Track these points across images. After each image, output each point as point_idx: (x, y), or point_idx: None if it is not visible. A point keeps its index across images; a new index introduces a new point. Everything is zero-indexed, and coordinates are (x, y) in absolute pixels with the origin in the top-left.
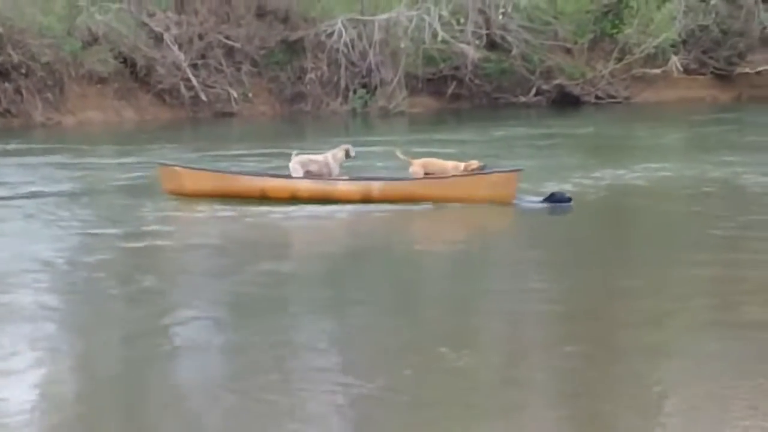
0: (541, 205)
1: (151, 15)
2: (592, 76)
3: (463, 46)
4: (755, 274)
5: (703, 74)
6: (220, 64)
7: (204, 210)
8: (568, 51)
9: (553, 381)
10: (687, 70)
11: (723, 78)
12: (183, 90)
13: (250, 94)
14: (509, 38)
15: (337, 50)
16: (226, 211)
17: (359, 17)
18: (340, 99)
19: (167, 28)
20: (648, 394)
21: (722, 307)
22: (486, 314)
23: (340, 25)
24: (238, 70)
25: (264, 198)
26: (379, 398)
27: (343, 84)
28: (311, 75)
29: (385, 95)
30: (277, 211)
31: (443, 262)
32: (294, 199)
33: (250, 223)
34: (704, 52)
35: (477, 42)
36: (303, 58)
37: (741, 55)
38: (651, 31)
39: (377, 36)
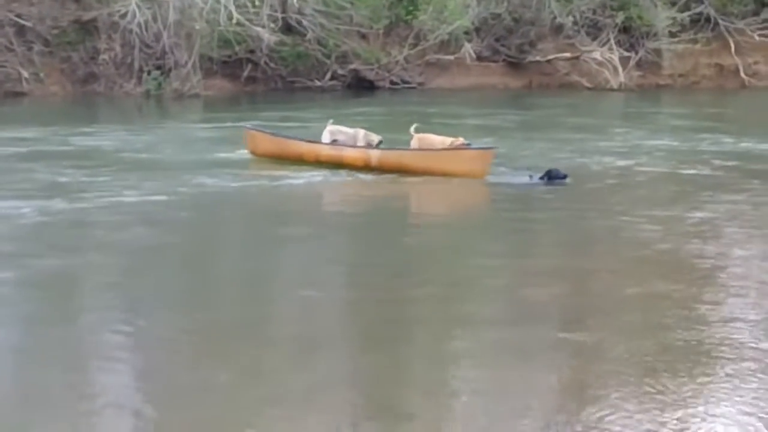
0: (537, 182)
1: None
2: (387, 61)
3: (258, 29)
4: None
5: (496, 61)
6: (11, 43)
7: None
8: (364, 36)
9: (344, 366)
10: (480, 57)
11: (515, 65)
12: None
13: (42, 74)
14: (305, 22)
15: (131, 31)
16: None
17: None
18: (134, 80)
19: None
20: (436, 377)
21: (516, 286)
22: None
23: (134, 5)
24: (30, 49)
25: (301, 160)
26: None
27: (137, 65)
28: (104, 56)
29: (180, 77)
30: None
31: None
32: (318, 162)
33: None
34: (497, 40)
35: (272, 25)
36: (96, 38)
37: (532, 44)
38: (445, 18)
39: (172, 17)
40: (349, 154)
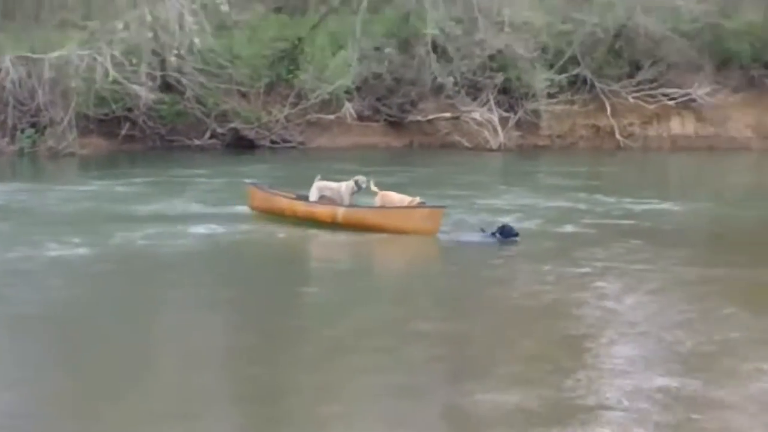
0: (490, 238)
1: None
2: (267, 120)
3: (136, 87)
4: None
5: (377, 121)
6: None
7: None
8: (244, 95)
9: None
10: (361, 117)
11: (396, 125)
12: None
13: None
14: (184, 80)
15: (4, 88)
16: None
17: (29, 55)
18: (7, 138)
19: None
20: None
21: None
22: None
23: (8, 62)
24: None
25: (284, 215)
26: None
27: (10, 123)
28: None
29: (55, 135)
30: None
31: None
32: (296, 218)
33: None
34: (378, 100)
35: (151, 83)
36: None
37: (413, 103)
38: (326, 77)
39: (47, 75)
40: (320, 210)
